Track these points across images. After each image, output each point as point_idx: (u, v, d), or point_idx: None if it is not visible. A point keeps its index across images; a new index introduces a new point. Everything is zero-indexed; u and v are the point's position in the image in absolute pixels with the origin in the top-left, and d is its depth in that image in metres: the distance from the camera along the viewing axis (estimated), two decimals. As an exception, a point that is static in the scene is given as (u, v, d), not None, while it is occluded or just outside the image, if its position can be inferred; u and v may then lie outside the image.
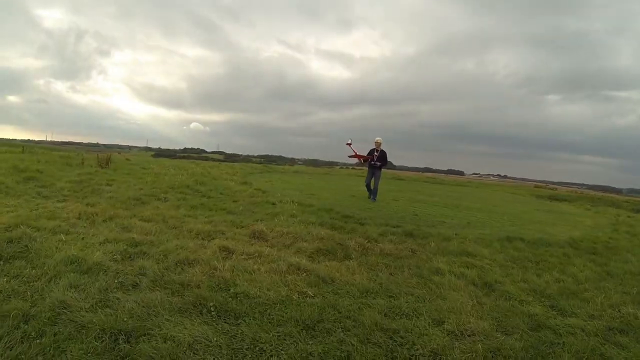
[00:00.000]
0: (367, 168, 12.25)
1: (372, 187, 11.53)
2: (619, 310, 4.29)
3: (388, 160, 12.02)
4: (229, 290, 4.05)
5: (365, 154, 11.88)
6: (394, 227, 7.55)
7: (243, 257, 5.20)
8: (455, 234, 7.39)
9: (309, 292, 4.17)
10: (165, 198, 8.97)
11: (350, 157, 12.09)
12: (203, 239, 5.95)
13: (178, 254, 4.97)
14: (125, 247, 5.01)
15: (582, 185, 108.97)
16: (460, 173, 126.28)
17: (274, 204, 9.11)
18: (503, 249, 6.72)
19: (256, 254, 5.28)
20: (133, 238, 5.38)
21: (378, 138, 11.62)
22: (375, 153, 11.60)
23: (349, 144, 11.84)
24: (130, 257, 4.78)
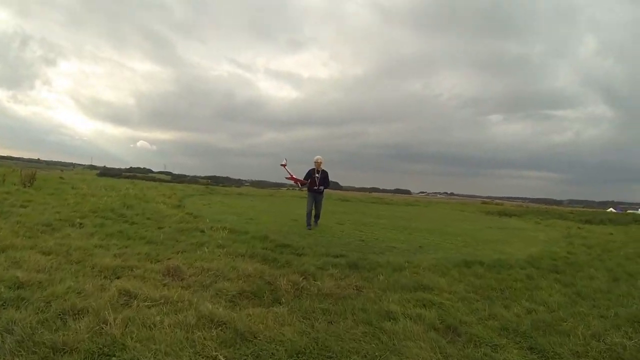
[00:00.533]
0: (306, 191, 10.56)
1: (313, 215, 10.20)
2: (603, 341, 3.77)
3: (331, 180, 10.55)
4: (114, 356, 2.93)
5: (303, 175, 10.34)
6: (337, 257, 6.56)
7: (146, 304, 4.02)
8: (407, 262, 6.51)
9: (220, 358, 3.08)
10: (80, 224, 7.87)
11: (287, 179, 10.77)
12: (106, 277, 4.82)
13: (65, 301, 3.84)
14: (2, 289, 3.96)
15: (525, 199, 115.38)
16: (407, 192, 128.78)
17: (202, 231, 7.95)
18: (462, 277, 6.01)
19: (162, 300, 4.11)
20: (17, 277, 4.33)
21: (318, 157, 10.05)
22: (317, 175, 10.07)
23: (284, 165, 10.41)
24: (3, 304, 3.71)
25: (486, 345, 3.62)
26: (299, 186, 10.86)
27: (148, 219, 9.16)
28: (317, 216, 10.30)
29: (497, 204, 42.54)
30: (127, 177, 48.01)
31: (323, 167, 10.17)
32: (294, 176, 10.26)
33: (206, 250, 6.26)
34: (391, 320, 4.01)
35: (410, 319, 4.06)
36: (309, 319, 3.95)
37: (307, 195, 10.34)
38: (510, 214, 23.39)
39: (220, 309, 3.93)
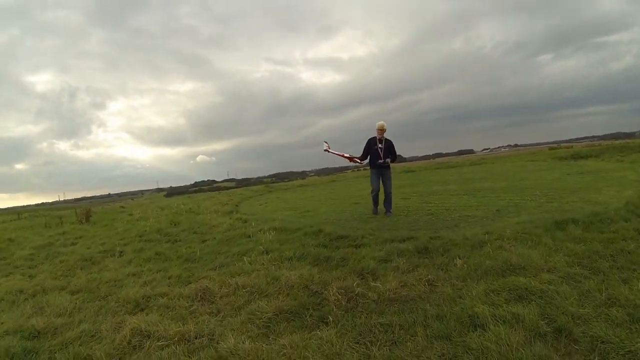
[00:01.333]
0: (369, 169, 8.78)
1: (385, 197, 8.23)
2: None
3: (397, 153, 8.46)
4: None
5: (359, 152, 8.66)
6: (403, 242, 5.45)
7: (159, 343, 3.32)
8: (487, 234, 5.33)
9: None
10: (121, 252, 7.56)
11: (344, 157, 8.92)
12: (127, 312, 4.27)
13: (72, 349, 3.38)
14: (16, 342, 3.62)
15: (593, 137, 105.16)
16: (471, 151, 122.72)
17: (249, 236, 7.13)
18: (557, 244, 4.75)
19: (177, 338, 3.30)
20: (33, 326, 3.98)
21: (380, 122, 8.05)
22: (379, 145, 8.09)
23: (327, 150, 8.82)
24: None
25: (619, 354, 2.42)
26: (359, 163, 8.98)
27: (194, 233, 8.65)
28: (387, 199, 8.15)
29: (566, 147, 39.35)
30: (193, 192, 50.13)
31: (386, 135, 8.21)
32: (345, 154, 8.66)
33: (246, 260, 5.39)
34: (478, 329, 2.87)
35: (504, 322, 2.89)
36: (365, 343, 2.90)
37: (370, 173, 8.60)
38: (585, 156, 21.21)
39: (247, 343, 3.05)
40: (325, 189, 18.39)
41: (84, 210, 14.30)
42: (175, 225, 9.88)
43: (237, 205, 14.59)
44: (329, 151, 8.67)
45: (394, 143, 8.23)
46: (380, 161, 8.07)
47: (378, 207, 8.37)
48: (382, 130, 8.05)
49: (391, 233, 6.09)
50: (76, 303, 4.70)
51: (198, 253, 6.35)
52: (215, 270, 5.33)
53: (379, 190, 8.24)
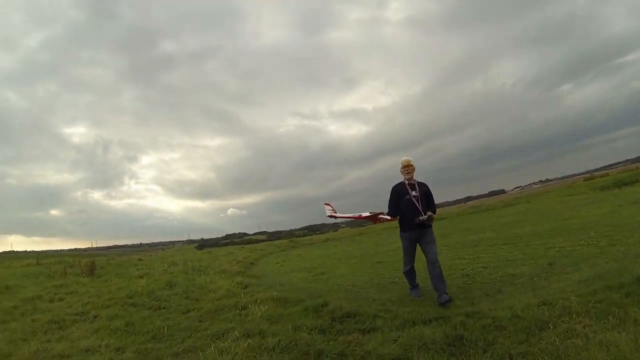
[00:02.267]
0: (399, 232, 5.87)
1: (430, 271, 5.38)
2: None
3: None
4: None
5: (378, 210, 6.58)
6: (428, 325, 4.10)
7: None
8: (542, 304, 3.98)
9: None
10: (95, 317, 6.75)
11: (360, 217, 7.23)
12: None
13: None
14: None
15: (626, 161, 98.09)
16: (502, 191, 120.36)
17: (241, 308, 5.90)
18: None
19: None
20: None
21: (405, 158, 5.72)
22: (412, 193, 5.53)
23: (332, 215, 7.02)
24: None
25: None
26: (388, 219, 6.67)
27: (186, 298, 7.70)
28: (434, 273, 5.22)
29: (601, 175, 36.98)
30: (224, 245, 52.48)
31: (417, 177, 5.78)
32: (362, 215, 7.41)
33: (214, 349, 4.18)
34: None
35: None
36: None
37: (401, 239, 5.81)
38: (629, 182, 19.56)
39: None
40: (350, 244, 17.57)
41: (89, 263, 13.80)
42: (170, 287, 8.97)
43: (252, 264, 14.24)
44: (334, 216, 7.42)
45: (429, 187, 5.78)
46: (421, 218, 5.32)
47: (418, 286, 5.82)
48: (409, 168, 5.59)
49: (413, 309, 4.70)
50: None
51: (167, 330, 5.19)
52: (176, 357, 4.18)
53: (413, 264, 5.74)
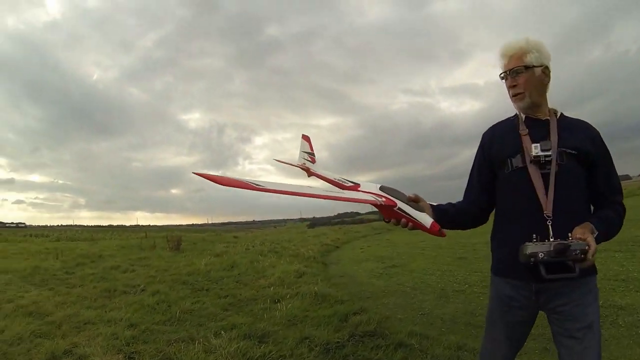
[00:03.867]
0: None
1: None
2: None
3: None
4: None
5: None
6: None
7: None
8: None
9: None
10: (142, 290, 7.03)
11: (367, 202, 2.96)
12: None
13: None
14: None
15: None
16: (626, 177, 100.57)
17: (274, 302, 5.61)
18: None
19: None
20: None
21: (515, 43, 1.76)
22: (537, 152, 1.62)
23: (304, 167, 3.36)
24: None
25: None
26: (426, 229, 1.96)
27: (236, 282, 7.69)
28: None
29: None
30: (336, 223, 55.98)
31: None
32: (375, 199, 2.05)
33: (204, 345, 3.90)
34: None
35: None
36: None
37: (489, 313, 1.86)
38: None
39: None
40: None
41: (176, 238, 14.87)
42: (230, 268, 9.09)
43: (337, 247, 14.66)
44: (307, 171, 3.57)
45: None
46: (551, 245, 1.47)
47: None
48: (519, 75, 1.71)
49: (460, 339, 3.91)
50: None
51: (185, 314, 5.16)
52: (167, 344, 4.01)
53: None
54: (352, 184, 2.19)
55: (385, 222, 1.85)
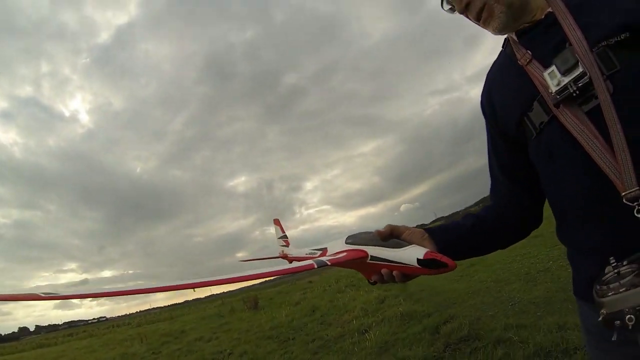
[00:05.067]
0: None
1: None
2: None
3: None
4: None
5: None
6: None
7: None
8: None
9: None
10: (230, 354, 7.28)
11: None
12: None
13: None
14: None
15: None
16: None
17: (362, 332, 5.72)
18: None
19: None
20: None
21: None
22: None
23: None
24: None
25: None
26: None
27: (321, 323, 7.81)
28: None
29: None
30: None
31: None
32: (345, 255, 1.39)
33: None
34: None
35: None
36: None
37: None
38: None
39: None
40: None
41: (252, 298, 15.30)
42: (312, 312, 9.20)
43: None
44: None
45: None
46: None
47: None
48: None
49: (559, 319, 3.67)
50: None
51: None
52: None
53: None
54: (320, 252, 1.64)
55: (371, 284, 1.21)
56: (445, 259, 0.96)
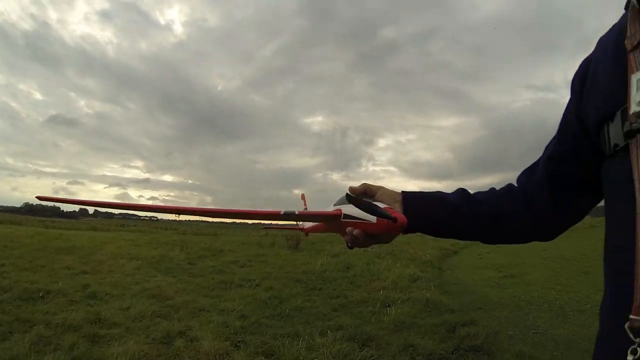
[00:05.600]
0: None
1: None
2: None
3: None
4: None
5: None
6: None
7: None
8: None
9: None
10: (257, 285, 7.57)
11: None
12: None
13: None
14: None
15: None
16: None
17: (384, 305, 5.81)
18: None
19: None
20: None
21: None
22: None
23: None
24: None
25: None
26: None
27: (350, 283, 8.00)
28: None
29: None
30: None
31: None
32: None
33: (307, 343, 4.15)
34: None
35: None
36: None
37: None
38: None
39: None
40: (572, 236, 14.80)
41: (295, 237, 15.60)
42: (346, 269, 9.38)
43: (455, 252, 14.78)
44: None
45: None
46: None
47: None
48: None
49: None
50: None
51: (293, 311, 5.55)
52: (274, 338, 4.32)
53: None
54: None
55: (349, 247, 1.09)
56: (396, 214, 0.91)
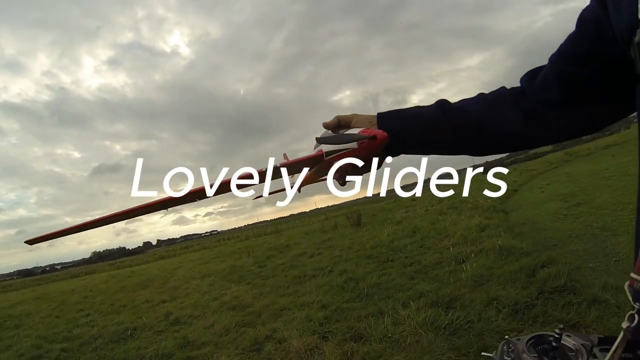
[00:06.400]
0: None
1: None
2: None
3: None
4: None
5: None
6: None
7: None
8: None
9: None
10: (330, 272, 7.81)
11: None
12: None
13: None
14: None
15: None
16: None
17: (460, 262, 5.83)
18: None
19: None
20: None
21: None
22: None
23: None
24: None
25: None
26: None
27: (420, 246, 8.05)
28: None
29: None
30: (509, 163, 60.43)
31: None
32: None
33: (392, 317, 4.24)
34: None
35: None
36: None
37: None
38: None
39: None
40: (628, 148, 15.70)
41: (355, 214, 15.80)
42: (412, 234, 9.38)
43: (515, 191, 14.65)
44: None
45: None
46: None
47: None
48: None
49: None
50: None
51: (372, 289, 5.65)
52: (358, 320, 4.45)
53: None
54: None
55: (341, 185, 1.12)
56: (373, 131, 0.90)
